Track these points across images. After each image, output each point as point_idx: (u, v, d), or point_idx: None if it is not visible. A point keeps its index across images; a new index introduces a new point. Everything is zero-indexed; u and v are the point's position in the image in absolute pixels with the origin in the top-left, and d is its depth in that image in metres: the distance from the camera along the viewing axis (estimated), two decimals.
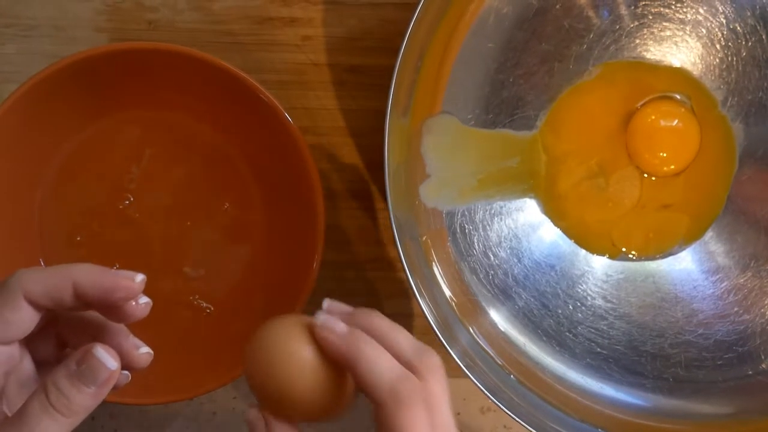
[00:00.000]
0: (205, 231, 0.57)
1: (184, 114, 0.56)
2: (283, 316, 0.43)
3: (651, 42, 0.56)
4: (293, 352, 0.41)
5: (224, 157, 0.56)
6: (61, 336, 0.41)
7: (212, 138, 0.56)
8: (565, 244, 0.57)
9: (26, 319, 0.37)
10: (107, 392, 0.38)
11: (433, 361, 0.42)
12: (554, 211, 0.57)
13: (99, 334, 0.40)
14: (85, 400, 0.37)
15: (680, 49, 0.56)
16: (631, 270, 0.57)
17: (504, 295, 0.56)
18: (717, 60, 0.56)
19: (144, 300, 0.39)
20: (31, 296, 0.36)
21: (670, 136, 0.56)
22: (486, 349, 0.54)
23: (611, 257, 0.57)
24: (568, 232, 0.57)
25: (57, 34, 0.56)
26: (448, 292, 0.54)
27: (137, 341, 0.40)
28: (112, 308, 0.38)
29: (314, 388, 0.41)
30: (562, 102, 0.56)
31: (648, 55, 0.56)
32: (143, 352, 0.40)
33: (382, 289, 0.59)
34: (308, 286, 0.53)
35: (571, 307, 0.57)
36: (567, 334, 0.56)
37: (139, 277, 0.38)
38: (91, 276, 0.37)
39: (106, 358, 0.37)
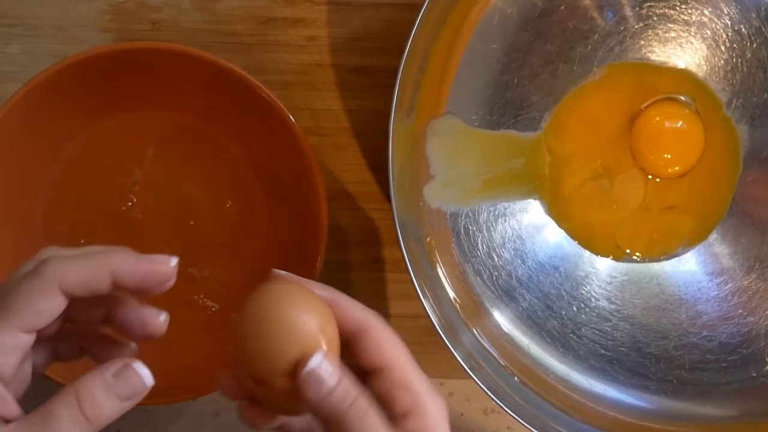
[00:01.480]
0: (208, 230, 0.57)
1: (187, 114, 0.56)
2: (285, 283, 0.40)
3: (656, 43, 0.56)
4: (300, 323, 0.38)
5: (227, 157, 0.56)
6: (68, 310, 0.41)
7: (215, 138, 0.56)
8: (569, 245, 0.57)
9: (57, 307, 0.36)
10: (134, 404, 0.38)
11: None
12: (558, 213, 0.57)
13: (114, 308, 0.40)
14: (116, 411, 0.37)
15: (685, 50, 0.56)
16: (636, 272, 0.57)
17: (508, 296, 0.56)
18: (722, 62, 0.56)
19: None
20: (68, 287, 0.36)
21: (674, 137, 0.56)
22: (489, 350, 0.54)
23: (615, 259, 0.57)
24: (572, 233, 0.57)
25: (60, 34, 0.56)
26: (451, 294, 0.54)
27: (153, 310, 0.40)
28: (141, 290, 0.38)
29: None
30: (567, 103, 0.56)
31: (653, 57, 0.56)
32: (162, 319, 0.40)
33: (385, 290, 0.59)
34: None
35: (575, 308, 0.57)
36: (571, 335, 0.56)
37: (174, 261, 0.38)
38: (129, 265, 0.37)
39: (146, 374, 0.37)
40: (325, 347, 0.38)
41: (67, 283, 0.36)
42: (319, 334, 0.38)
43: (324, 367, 0.38)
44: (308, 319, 0.38)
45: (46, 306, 0.36)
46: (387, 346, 0.41)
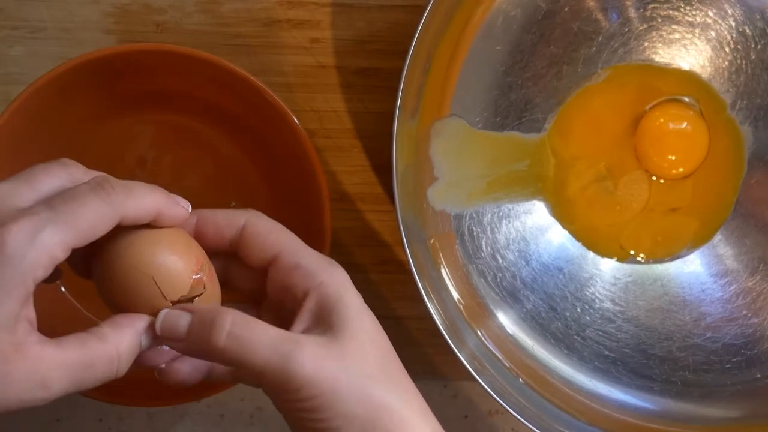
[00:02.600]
0: None
1: (190, 116, 0.56)
2: (140, 230, 0.39)
3: (660, 45, 0.56)
4: (157, 260, 0.38)
5: (231, 159, 0.56)
6: None
7: (219, 140, 0.56)
8: (574, 246, 0.57)
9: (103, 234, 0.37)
10: None
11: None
12: (563, 215, 0.57)
13: None
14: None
15: (689, 52, 0.56)
16: (640, 273, 0.57)
17: (512, 297, 0.56)
18: (726, 63, 0.56)
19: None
20: (123, 220, 0.37)
21: (678, 139, 0.56)
22: (494, 352, 0.54)
23: (620, 260, 0.57)
24: (576, 235, 0.57)
25: (65, 36, 0.56)
26: (455, 295, 0.54)
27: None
28: None
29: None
30: (571, 105, 0.56)
31: (657, 58, 0.56)
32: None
33: (389, 292, 0.59)
34: None
35: (579, 310, 0.57)
36: (575, 337, 0.56)
37: (190, 208, 0.40)
38: (169, 207, 0.39)
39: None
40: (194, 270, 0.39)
41: (126, 216, 0.37)
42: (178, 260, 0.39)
43: (168, 316, 0.38)
44: (166, 254, 0.39)
45: (102, 232, 0.36)
46: (267, 236, 0.41)
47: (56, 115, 0.53)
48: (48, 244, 0.34)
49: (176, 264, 0.39)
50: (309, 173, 0.52)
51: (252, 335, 0.37)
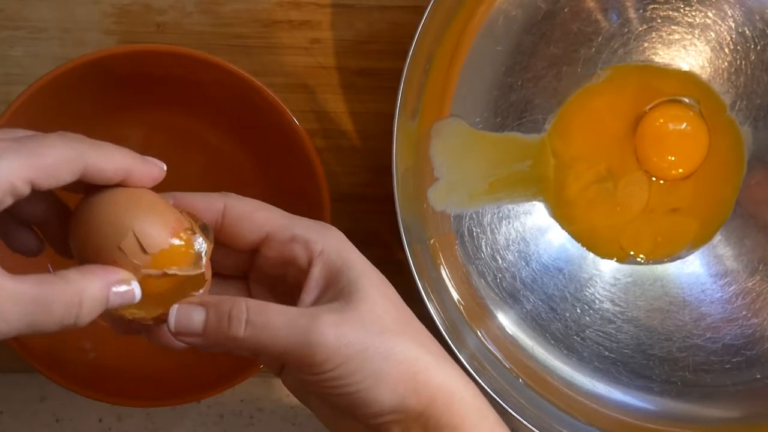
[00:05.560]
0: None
1: (190, 116, 0.56)
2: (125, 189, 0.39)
3: (660, 45, 0.56)
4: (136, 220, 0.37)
5: (231, 160, 0.57)
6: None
7: (218, 140, 0.56)
8: (574, 247, 0.57)
9: (64, 184, 0.37)
10: None
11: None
12: (563, 215, 0.57)
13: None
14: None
15: (689, 52, 0.56)
16: (640, 274, 0.57)
17: (512, 298, 0.56)
18: (726, 64, 0.56)
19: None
20: (87, 173, 0.36)
21: (678, 139, 0.56)
22: (494, 352, 0.54)
23: (619, 261, 0.57)
24: (576, 236, 0.57)
25: (65, 36, 0.56)
26: (455, 296, 0.54)
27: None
28: None
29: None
30: (571, 105, 0.56)
31: (657, 59, 0.56)
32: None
33: None
34: None
35: (579, 310, 0.57)
36: (575, 337, 0.56)
37: (165, 167, 0.40)
38: (141, 168, 0.39)
39: (138, 293, 0.38)
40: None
41: (91, 165, 0.36)
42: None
43: (181, 311, 0.38)
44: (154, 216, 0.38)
45: (65, 176, 0.36)
46: (252, 216, 0.41)
47: (57, 115, 0.53)
48: (8, 169, 0.34)
49: (154, 221, 0.38)
50: (309, 174, 0.52)
51: (269, 319, 0.37)
